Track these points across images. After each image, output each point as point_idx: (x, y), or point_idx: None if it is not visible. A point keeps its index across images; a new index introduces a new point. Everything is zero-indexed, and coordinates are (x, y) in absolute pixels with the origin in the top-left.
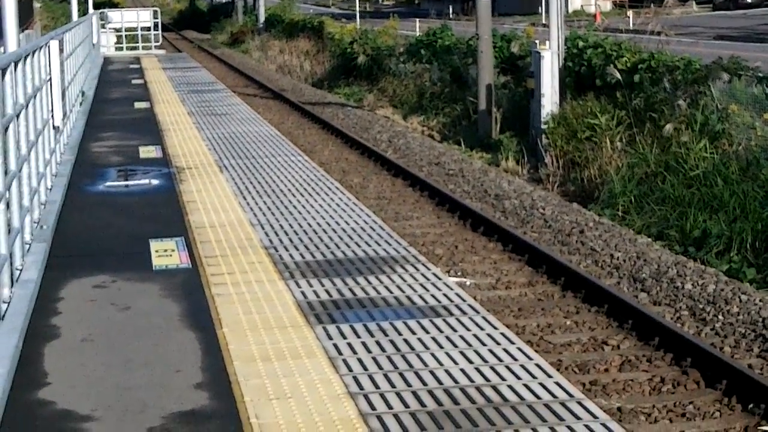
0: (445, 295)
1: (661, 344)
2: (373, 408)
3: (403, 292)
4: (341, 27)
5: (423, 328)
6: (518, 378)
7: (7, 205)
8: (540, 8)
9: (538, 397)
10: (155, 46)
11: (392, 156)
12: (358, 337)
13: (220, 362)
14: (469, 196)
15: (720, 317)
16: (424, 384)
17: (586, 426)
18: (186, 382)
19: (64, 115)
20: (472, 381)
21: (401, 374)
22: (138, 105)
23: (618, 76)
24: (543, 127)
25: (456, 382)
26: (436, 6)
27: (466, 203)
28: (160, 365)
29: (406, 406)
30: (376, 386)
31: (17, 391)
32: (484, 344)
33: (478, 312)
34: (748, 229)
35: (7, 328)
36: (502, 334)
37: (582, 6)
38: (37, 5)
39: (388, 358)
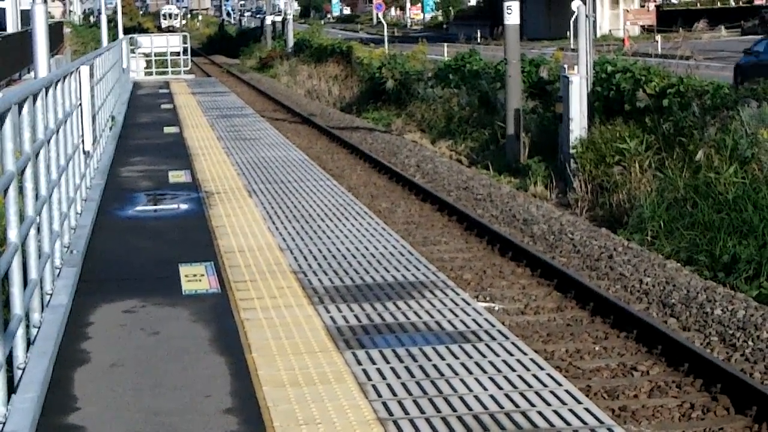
0: (473, 320)
1: (690, 370)
2: None
3: (432, 317)
4: (370, 52)
5: (452, 353)
6: (548, 404)
7: (38, 230)
8: (568, 33)
9: (567, 424)
10: (184, 71)
11: (420, 180)
12: (387, 362)
13: (250, 387)
14: (498, 220)
15: (750, 343)
16: (454, 410)
17: None
18: (215, 407)
19: (94, 139)
20: (501, 407)
21: (430, 400)
22: (167, 130)
23: (648, 100)
24: (571, 151)
25: (485, 408)
26: (464, 31)
27: (494, 228)
28: (189, 390)
29: None
30: (406, 412)
31: (47, 416)
32: (513, 370)
33: (507, 337)
34: None
35: (38, 352)
36: (531, 359)
37: (610, 30)
38: (67, 30)
39: (418, 383)
